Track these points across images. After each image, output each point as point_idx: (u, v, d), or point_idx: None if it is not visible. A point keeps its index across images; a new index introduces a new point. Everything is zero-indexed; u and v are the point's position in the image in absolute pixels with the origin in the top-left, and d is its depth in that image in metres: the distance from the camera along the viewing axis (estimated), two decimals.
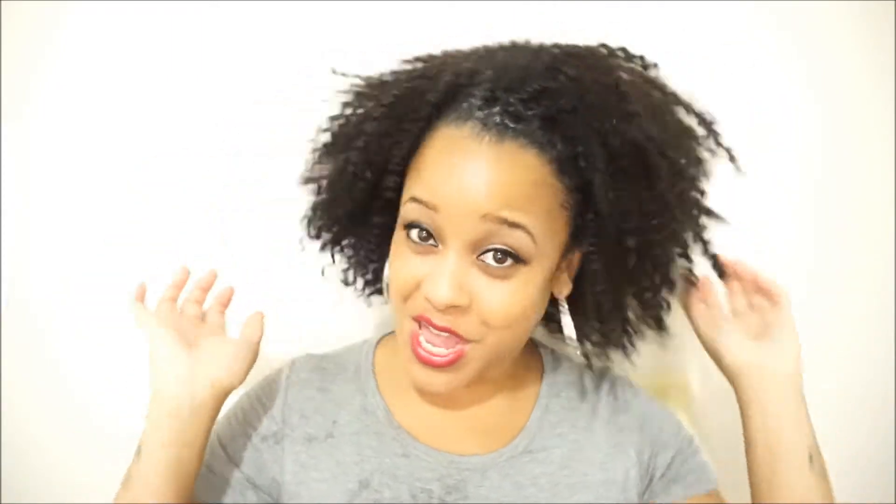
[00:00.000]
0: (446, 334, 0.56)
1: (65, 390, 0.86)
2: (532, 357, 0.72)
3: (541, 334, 0.77)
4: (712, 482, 0.70)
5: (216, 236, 0.84)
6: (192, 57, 0.82)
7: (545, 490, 0.63)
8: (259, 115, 0.83)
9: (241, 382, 0.63)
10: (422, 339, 0.57)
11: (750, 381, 0.66)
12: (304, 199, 0.72)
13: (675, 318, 0.87)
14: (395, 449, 0.63)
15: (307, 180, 0.69)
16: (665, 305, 0.68)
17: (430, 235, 0.56)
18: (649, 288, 0.64)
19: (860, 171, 0.86)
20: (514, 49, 0.60)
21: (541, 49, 0.59)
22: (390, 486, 0.62)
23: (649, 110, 0.57)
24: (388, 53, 0.65)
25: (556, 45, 0.59)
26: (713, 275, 0.71)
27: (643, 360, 0.87)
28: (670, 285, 0.66)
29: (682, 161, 0.60)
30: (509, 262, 0.55)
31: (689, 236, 0.65)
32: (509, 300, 0.55)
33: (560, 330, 0.74)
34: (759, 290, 0.70)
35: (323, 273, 0.74)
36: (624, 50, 0.61)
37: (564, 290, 0.62)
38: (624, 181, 0.55)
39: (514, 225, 0.53)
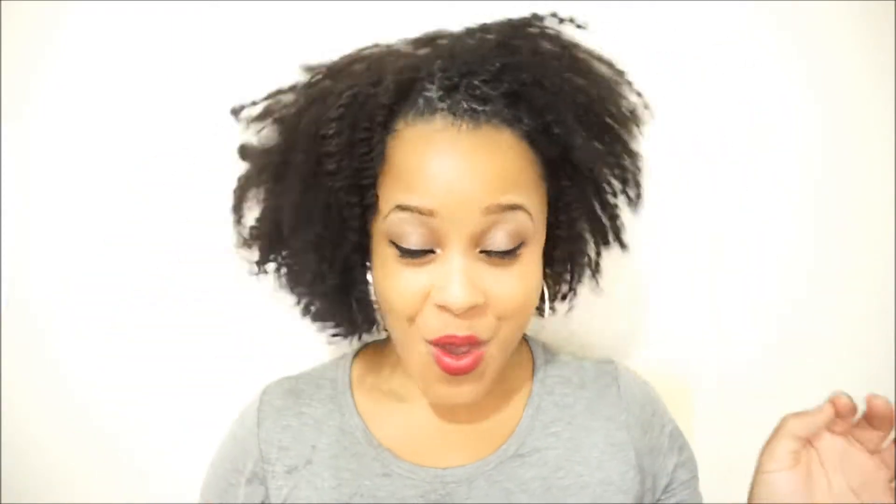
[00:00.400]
0: (466, 347, 0.53)
1: (65, 390, 0.85)
2: (522, 352, 0.68)
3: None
4: None
5: (216, 237, 0.84)
6: (192, 57, 0.82)
7: (535, 495, 0.60)
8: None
9: None
10: (445, 358, 0.54)
11: None
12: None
13: (674, 319, 0.87)
14: (375, 469, 0.60)
15: (284, 261, 0.63)
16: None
17: (425, 242, 0.52)
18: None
19: (860, 171, 0.86)
20: (453, 35, 0.59)
21: (480, 29, 0.58)
22: None
23: (591, 66, 0.59)
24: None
25: (488, 24, 0.58)
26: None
27: (644, 360, 0.87)
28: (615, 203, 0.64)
29: (631, 125, 0.61)
30: (520, 245, 0.54)
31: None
32: (520, 286, 0.54)
33: None
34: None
35: (359, 337, 0.68)
36: (555, 15, 0.59)
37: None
38: (597, 136, 0.57)
39: (514, 207, 0.52)
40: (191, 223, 0.84)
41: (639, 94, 0.61)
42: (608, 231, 0.64)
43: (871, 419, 0.53)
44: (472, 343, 0.53)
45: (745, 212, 0.86)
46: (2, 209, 0.83)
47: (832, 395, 0.54)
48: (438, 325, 0.53)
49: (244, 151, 0.65)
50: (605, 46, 0.67)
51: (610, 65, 0.61)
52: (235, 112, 0.64)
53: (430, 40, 0.59)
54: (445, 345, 0.53)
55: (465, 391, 0.56)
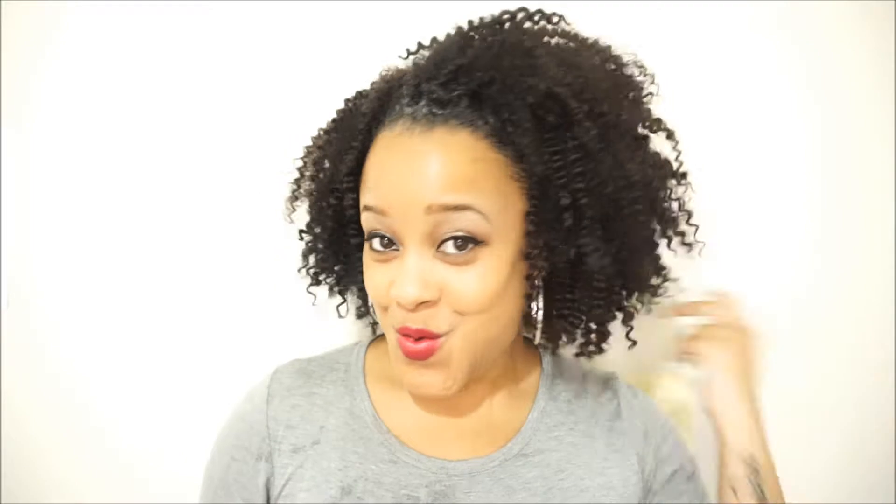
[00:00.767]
0: (423, 338, 0.56)
1: (65, 390, 0.85)
2: (531, 357, 0.71)
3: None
4: None
5: (216, 237, 0.84)
6: (192, 57, 0.82)
7: (537, 495, 0.61)
8: (260, 116, 0.83)
9: None
10: (406, 342, 0.57)
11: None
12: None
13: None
14: (381, 455, 0.62)
15: (301, 232, 0.70)
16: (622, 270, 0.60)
17: (391, 241, 0.56)
18: (597, 251, 0.57)
19: (860, 172, 0.86)
20: (435, 42, 0.61)
21: (456, 32, 0.59)
22: (374, 493, 0.60)
23: (560, 59, 0.56)
24: (388, 55, 0.66)
25: (471, 24, 0.59)
26: None
27: (644, 361, 0.87)
28: (627, 249, 0.60)
29: (605, 105, 0.56)
30: (470, 246, 0.54)
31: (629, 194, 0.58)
32: (477, 283, 0.54)
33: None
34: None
35: (340, 315, 0.73)
36: (540, 11, 0.60)
37: (541, 273, 0.59)
38: (550, 136, 0.54)
39: (459, 208, 0.53)
40: (191, 224, 0.84)
41: (625, 67, 0.61)
42: (580, 248, 0.57)
43: None
44: (426, 336, 0.56)
45: (744, 212, 0.86)
46: (2, 209, 0.83)
47: None
48: (399, 316, 0.56)
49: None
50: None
51: (594, 48, 0.61)
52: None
53: (416, 51, 0.62)
54: (403, 333, 0.57)
55: (430, 380, 0.57)
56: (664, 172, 0.64)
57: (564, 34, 0.61)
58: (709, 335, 0.72)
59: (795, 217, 0.87)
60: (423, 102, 0.55)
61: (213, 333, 0.85)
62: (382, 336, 0.72)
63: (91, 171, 0.83)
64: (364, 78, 0.67)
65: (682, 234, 0.66)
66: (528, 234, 0.56)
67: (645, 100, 0.64)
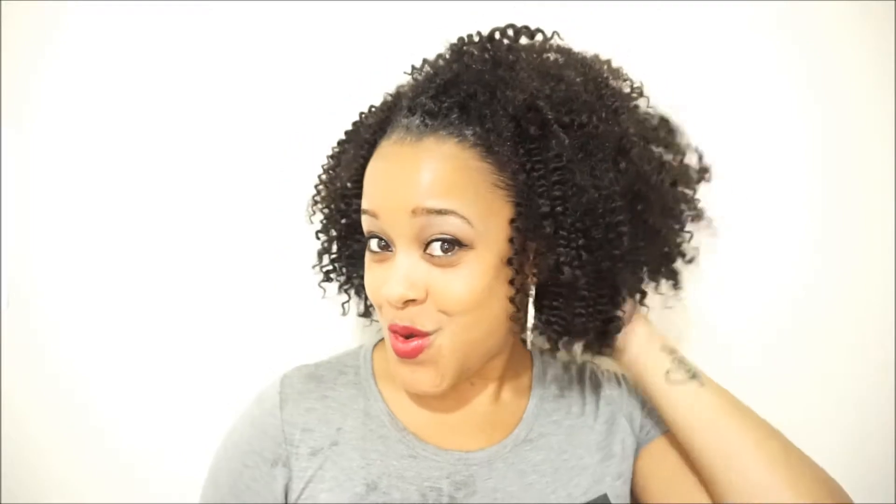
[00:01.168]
0: (412, 336, 0.59)
1: (65, 390, 0.86)
2: (523, 354, 0.75)
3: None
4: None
5: (216, 237, 0.84)
6: (192, 58, 0.82)
7: (547, 475, 0.65)
8: (260, 117, 0.83)
9: None
10: (396, 341, 0.61)
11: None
12: (304, 198, 0.72)
13: (676, 317, 0.87)
14: (401, 451, 0.64)
15: (317, 233, 0.73)
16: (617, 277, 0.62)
17: (387, 243, 0.60)
18: (573, 260, 0.58)
19: (860, 172, 0.86)
20: (433, 62, 0.65)
21: (449, 48, 0.64)
22: (399, 488, 0.62)
23: (542, 73, 0.59)
24: (388, 56, 0.66)
25: (461, 40, 0.64)
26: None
27: None
28: (610, 260, 0.60)
29: (584, 116, 0.58)
30: (455, 248, 0.57)
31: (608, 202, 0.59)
32: (461, 285, 0.57)
33: None
34: None
35: (344, 312, 0.75)
36: (526, 27, 0.64)
37: (532, 280, 0.61)
38: (531, 146, 0.57)
39: (443, 212, 0.56)
40: (190, 224, 0.84)
41: (612, 81, 0.63)
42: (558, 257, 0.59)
43: None
44: (412, 333, 0.59)
45: (744, 212, 0.86)
46: (2, 209, 0.83)
47: None
48: (390, 314, 0.60)
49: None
50: (606, 47, 0.67)
51: (575, 59, 0.63)
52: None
53: (421, 67, 0.66)
54: (394, 332, 0.60)
55: (421, 377, 0.61)
56: (655, 182, 0.63)
57: (553, 48, 0.64)
58: None
59: (795, 217, 0.87)
60: (417, 114, 0.59)
61: (212, 333, 0.85)
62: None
63: (91, 170, 0.83)
64: (363, 82, 0.67)
65: (671, 255, 0.68)
66: (511, 241, 0.58)
67: (633, 112, 0.65)
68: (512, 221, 0.58)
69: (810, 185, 0.86)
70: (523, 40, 0.64)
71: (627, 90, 0.67)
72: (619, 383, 0.75)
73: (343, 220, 0.69)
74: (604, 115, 0.60)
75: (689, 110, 0.83)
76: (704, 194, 0.85)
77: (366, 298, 0.74)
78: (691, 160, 0.72)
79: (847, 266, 0.87)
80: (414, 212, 0.56)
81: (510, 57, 0.60)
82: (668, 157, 0.69)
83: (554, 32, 0.64)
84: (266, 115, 0.83)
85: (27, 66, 0.82)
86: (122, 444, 0.86)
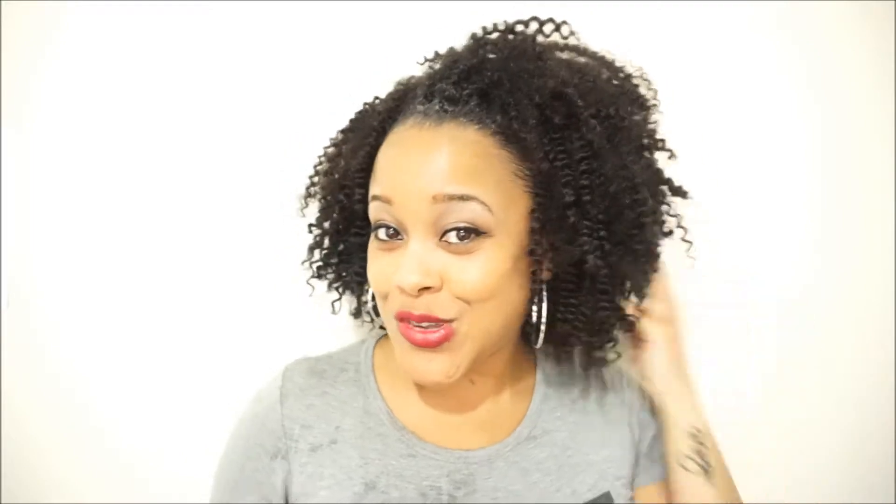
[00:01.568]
0: (427, 323, 0.57)
1: (65, 390, 0.86)
2: (529, 357, 0.74)
3: None
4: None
5: (216, 237, 0.84)
6: (192, 58, 0.82)
7: (551, 473, 0.65)
8: (260, 117, 0.83)
9: None
10: (410, 330, 0.58)
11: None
12: (303, 200, 0.72)
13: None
14: (400, 450, 0.64)
15: (310, 226, 0.71)
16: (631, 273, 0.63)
17: (396, 231, 0.58)
18: (597, 250, 0.59)
19: (860, 172, 0.86)
20: (450, 51, 0.65)
21: (470, 37, 0.64)
22: (397, 487, 0.62)
23: (568, 64, 0.61)
24: (388, 56, 0.66)
25: (484, 30, 0.64)
26: None
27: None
28: (630, 253, 0.61)
29: (611, 108, 0.60)
30: (472, 236, 0.56)
31: (633, 196, 0.60)
32: (479, 272, 0.56)
33: None
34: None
35: (334, 311, 0.73)
36: (536, 19, 0.64)
37: (546, 273, 0.61)
38: (556, 136, 0.57)
39: (464, 198, 0.55)
40: (190, 223, 0.84)
41: (632, 80, 0.63)
42: (582, 247, 0.59)
43: None
44: (430, 320, 0.57)
45: (744, 212, 0.86)
46: (2, 209, 0.83)
47: None
48: (399, 301, 0.58)
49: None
50: (606, 47, 0.67)
51: (600, 60, 0.63)
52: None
53: (433, 58, 0.65)
54: (404, 318, 0.58)
55: (435, 367, 0.59)
56: (664, 184, 0.67)
57: (573, 48, 0.64)
58: (649, 311, 0.70)
59: (795, 217, 0.87)
60: (435, 100, 0.58)
61: (212, 333, 0.85)
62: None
63: (91, 170, 0.83)
64: (364, 79, 0.67)
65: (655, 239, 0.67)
66: (532, 232, 0.58)
67: (649, 115, 0.67)
68: (532, 212, 0.58)
69: (810, 185, 0.86)
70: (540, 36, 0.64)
71: (645, 90, 0.67)
72: (623, 384, 0.74)
73: (341, 212, 0.67)
74: (629, 108, 0.62)
75: (689, 110, 0.83)
76: (705, 194, 0.85)
77: (358, 297, 0.73)
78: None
79: (847, 266, 0.87)
80: (435, 198, 0.55)
81: (536, 47, 0.60)
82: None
83: (570, 30, 0.64)
84: (266, 115, 0.83)
85: (27, 66, 0.82)
86: (122, 444, 0.86)
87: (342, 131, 0.69)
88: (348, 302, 0.75)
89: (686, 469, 0.66)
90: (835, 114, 0.85)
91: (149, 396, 0.86)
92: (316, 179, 0.71)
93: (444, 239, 0.56)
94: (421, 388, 0.67)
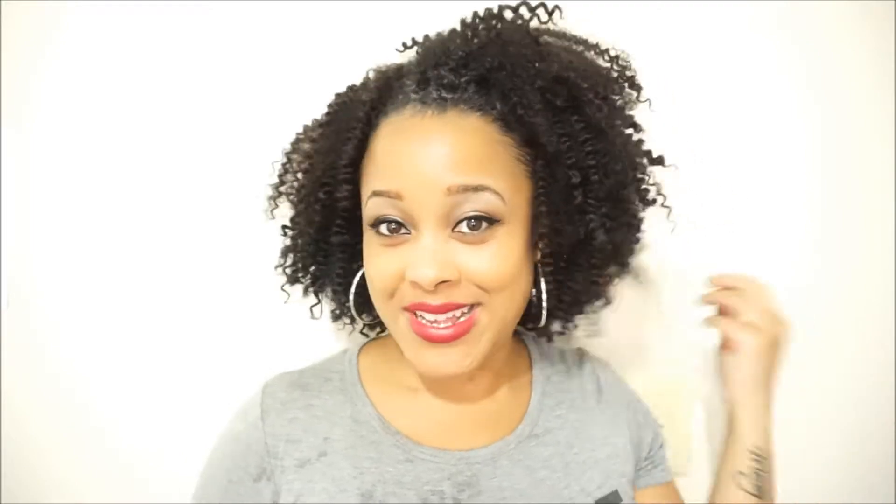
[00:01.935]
0: (447, 313, 0.56)
1: (65, 390, 0.85)
2: (519, 344, 0.73)
3: None
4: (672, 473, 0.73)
5: (217, 237, 0.84)
6: (192, 57, 0.82)
7: (558, 470, 0.63)
8: (261, 117, 0.83)
9: None
10: (423, 320, 0.56)
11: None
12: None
13: (676, 316, 0.87)
14: (396, 456, 0.61)
15: (283, 228, 0.69)
16: (625, 249, 0.66)
17: (400, 225, 0.56)
18: (603, 226, 0.60)
19: (860, 172, 0.86)
20: (436, 37, 0.62)
21: (461, 23, 0.61)
22: (396, 494, 0.59)
23: (564, 47, 0.60)
24: (381, 55, 0.66)
25: (475, 15, 0.61)
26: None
27: (643, 363, 0.87)
28: (624, 226, 0.63)
29: (608, 89, 0.61)
30: (484, 225, 0.55)
31: (627, 176, 0.62)
32: (496, 260, 0.55)
33: None
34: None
35: (313, 315, 0.72)
36: (526, 3, 0.62)
37: (539, 254, 0.62)
38: (559, 119, 0.57)
39: (478, 188, 0.54)
40: (190, 224, 0.84)
41: (620, 66, 0.63)
42: (587, 225, 0.60)
43: None
44: (451, 308, 0.56)
45: (744, 212, 0.86)
46: (2, 209, 0.83)
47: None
48: (411, 297, 0.56)
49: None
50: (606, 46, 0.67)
51: (585, 43, 0.63)
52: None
53: (412, 45, 0.63)
54: (421, 311, 0.56)
55: (451, 359, 0.57)
56: (644, 156, 0.67)
57: (556, 33, 0.63)
58: (743, 320, 0.70)
59: (795, 217, 0.87)
60: (431, 87, 0.56)
61: (213, 333, 0.85)
62: (373, 342, 0.72)
63: (91, 171, 0.83)
64: (356, 77, 0.67)
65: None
66: (535, 216, 0.58)
67: (634, 93, 0.66)
68: (536, 196, 0.57)
69: (810, 185, 0.86)
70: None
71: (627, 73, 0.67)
72: (618, 384, 0.74)
73: (322, 211, 0.63)
74: (617, 89, 0.62)
75: (689, 110, 0.83)
76: (705, 194, 0.85)
77: (340, 300, 0.70)
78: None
79: (847, 266, 0.87)
80: (449, 189, 0.53)
81: (532, 32, 0.59)
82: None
83: (557, 8, 0.63)
84: (266, 116, 0.83)
85: (27, 66, 0.82)
86: (122, 444, 0.86)
87: (320, 125, 0.65)
88: (327, 305, 0.73)
89: (740, 487, 0.67)
90: (835, 114, 0.85)
91: (149, 396, 0.86)
92: (287, 178, 0.67)
93: (456, 230, 0.55)
94: (414, 390, 0.65)
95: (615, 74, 0.63)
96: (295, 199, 0.67)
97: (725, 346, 0.71)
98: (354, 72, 0.68)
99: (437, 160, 0.54)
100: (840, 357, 0.88)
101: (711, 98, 0.84)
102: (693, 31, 0.83)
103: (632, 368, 0.82)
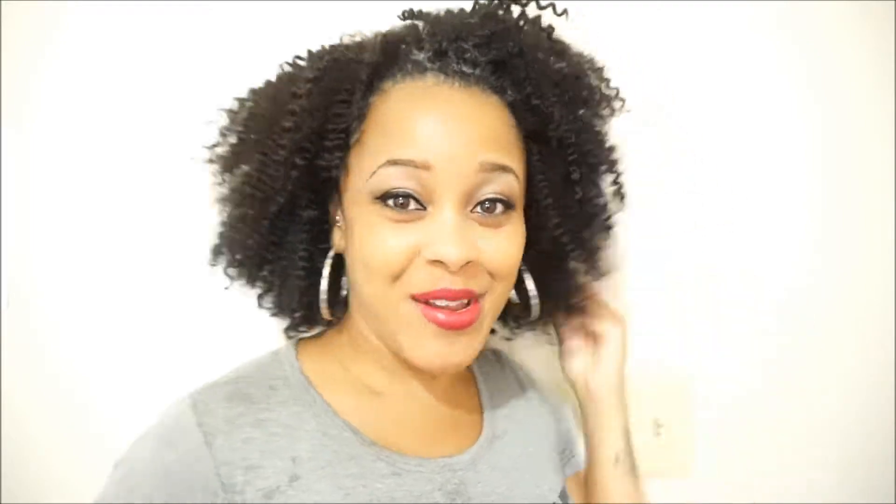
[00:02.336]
0: (457, 302, 0.52)
1: (65, 390, 0.85)
2: None
3: None
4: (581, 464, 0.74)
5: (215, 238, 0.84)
6: (192, 57, 0.82)
7: (527, 470, 0.62)
8: None
9: None
10: (436, 311, 0.52)
11: (579, 391, 0.71)
12: None
13: (676, 316, 0.87)
14: (381, 470, 0.54)
15: (217, 201, 0.62)
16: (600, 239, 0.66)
17: (409, 199, 0.51)
18: (598, 196, 0.63)
19: (860, 172, 0.86)
20: (447, 12, 0.59)
21: (478, 5, 0.58)
22: None
23: (568, 48, 0.61)
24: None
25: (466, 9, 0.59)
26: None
27: (644, 363, 0.87)
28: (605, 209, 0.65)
29: (606, 90, 0.63)
30: (500, 209, 0.53)
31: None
32: (508, 247, 0.54)
33: None
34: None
35: (261, 305, 0.67)
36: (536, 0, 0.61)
37: None
38: (572, 112, 0.58)
39: (505, 169, 0.53)
40: (191, 224, 0.84)
41: (608, 83, 0.63)
42: (579, 218, 0.62)
43: None
44: (469, 296, 0.52)
45: (744, 212, 0.86)
46: (2, 209, 0.83)
47: None
48: (430, 279, 0.51)
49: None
50: (606, 46, 0.67)
51: (581, 54, 0.63)
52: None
53: (413, 15, 0.59)
54: (438, 299, 0.52)
55: (457, 350, 0.53)
56: None
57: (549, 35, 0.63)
58: (607, 315, 0.70)
59: (795, 217, 0.87)
60: (450, 58, 0.54)
61: (213, 333, 0.85)
62: (306, 341, 0.64)
63: (91, 171, 0.83)
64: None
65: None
66: (539, 204, 0.58)
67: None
68: (539, 182, 0.58)
69: (810, 185, 0.86)
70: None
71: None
72: (533, 382, 0.74)
73: (297, 181, 0.54)
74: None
75: (689, 110, 0.83)
76: (705, 194, 0.85)
77: (299, 289, 0.61)
78: None
79: (847, 266, 0.87)
80: (482, 165, 0.51)
81: (546, 28, 0.59)
82: None
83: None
84: None
85: (27, 66, 0.82)
86: (122, 444, 0.86)
87: (307, 80, 0.54)
88: (266, 293, 0.66)
89: (618, 466, 0.68)
90: (835, 114, 0.85)
91: (149, 397, 0.85)
92: (246, 138, 0.58)
93: (474, 210, 0.53)
94: (377, 393, 0.58)
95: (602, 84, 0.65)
96: (254, 165, 0.56)
97: (592, 338, 0.71)
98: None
99: (470, 133, 0.51)
100: (840, 357, 0.87)
101: (711, 98, 0.84)
102: (693, 31, 0.83)
103: (631, 368, 0.81)
